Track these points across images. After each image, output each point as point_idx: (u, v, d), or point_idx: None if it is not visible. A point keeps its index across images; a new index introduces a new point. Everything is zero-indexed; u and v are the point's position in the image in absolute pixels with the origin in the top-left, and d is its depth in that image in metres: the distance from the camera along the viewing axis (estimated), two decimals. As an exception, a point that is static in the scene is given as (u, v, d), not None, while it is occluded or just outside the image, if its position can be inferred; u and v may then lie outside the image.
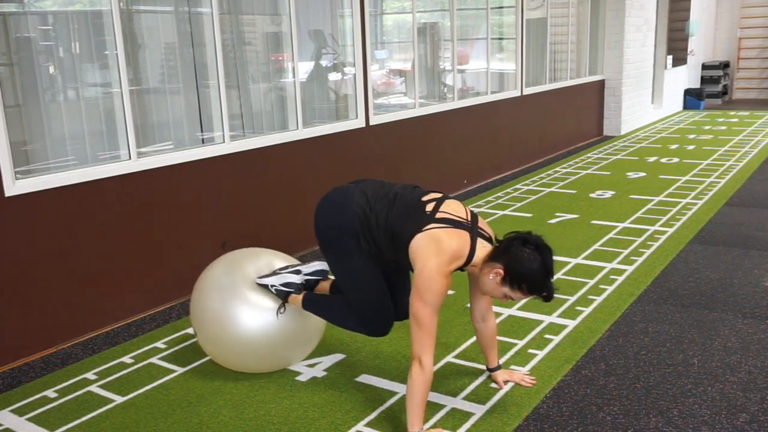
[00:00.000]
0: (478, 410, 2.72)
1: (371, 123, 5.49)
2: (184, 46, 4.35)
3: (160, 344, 3.47)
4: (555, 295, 2.41)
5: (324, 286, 3.06)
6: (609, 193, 6.33)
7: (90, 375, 3.16)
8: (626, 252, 4.59)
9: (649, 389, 2.83)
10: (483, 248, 2.45)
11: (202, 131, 4.40)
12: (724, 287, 3.91)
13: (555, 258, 2.41)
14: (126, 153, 3.82)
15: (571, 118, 9.16)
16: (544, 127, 8.45)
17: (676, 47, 12.17)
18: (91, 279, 3.63)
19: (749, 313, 3.54)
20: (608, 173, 7.28)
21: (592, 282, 4.05)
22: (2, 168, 3.21)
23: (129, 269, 3.81)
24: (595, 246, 4.75)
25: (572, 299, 3.81)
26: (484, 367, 3.04)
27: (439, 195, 2.58)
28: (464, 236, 2.43)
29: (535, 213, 5.72)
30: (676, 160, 7.90)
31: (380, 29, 6.26)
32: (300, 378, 3.04)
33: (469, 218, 2.51)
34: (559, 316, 3.60)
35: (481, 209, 5.92)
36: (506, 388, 2.88)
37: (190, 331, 3.57)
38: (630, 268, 4.26)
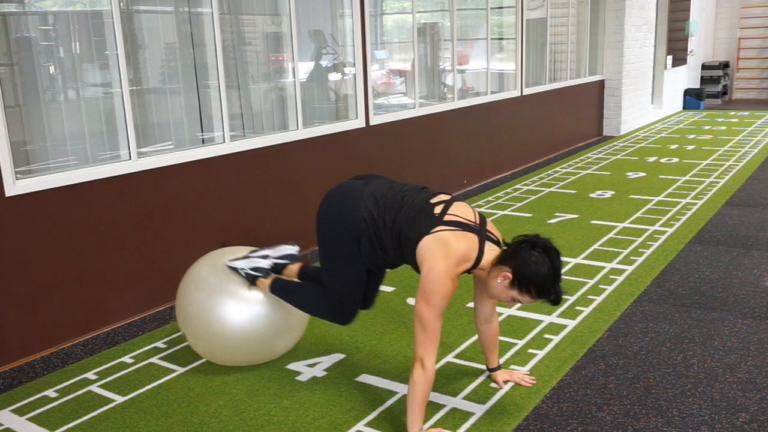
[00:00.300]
0: (478, 410, 2.72)
1: (371, 123, 5.49)
2: (184, 46, 4.35)
3: (160, 344, 3.47)
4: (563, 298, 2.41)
5: (292, 270, 3.09)
6: (609, 193, 6.33)
7: (90, 375, 3.16)
8: (626, 252, 4.59)
9: (649, 389, 2.83)
10: (491, 251, 2.44)
11: (202, 131, 4.40)
12: (724, 287, 3.91)
13: (555, 258, 2.41)
14: (126, 153, 3.82)
15: (571, 118, 9.16)
16: (544, 127, 8.45)
17: (676, 47, 12.17)
18: (91, 279, 3.64)
19: (749, 313, 3.54)
20: (608, 173, 7.28)
21: (591, 282, 4.05)
22: (2, 168, 3.21)
23: (129, 269, 3.81)
24: (595, 246, 4.75)
25: (572, 299, 3.81)
26: (484, 367, 3.04)
27: (447, 197, 2.57)
28: (472, 239, 2.42)
29: (534, 213, 5.72)
30: (675, 160, 7.90)
31: (380, 29, 6.26)
32: (300, 378, 3.05)
33: (478, 221, 2.50)
34: (559, 316, 3.60)
35: (481, 209, 5.92)
36: (506, 388, 2.88)
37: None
38: (630, 268, 4.27)
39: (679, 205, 5.76)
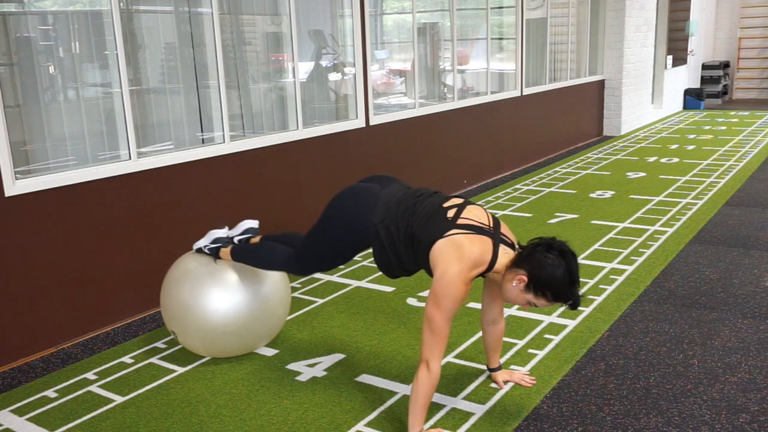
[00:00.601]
0: (478, 410, 2.72)
1: (371, 123, 5.49)
2: (184, 46, 4.35)
3: (160, 344, 3.47)
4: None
5: (254, 242, 3.16)
6: (609, 193, 6.33)
7: (90, 375, 3.16)
8: (626, 252, 4.59)
9: (649, 389, 2.83)
10: (505, 255, 2.43)
11: (202, 131, 4.40)
12: (724, 287, 3.91)
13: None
14: (126, 153, 3.82)
15: (571, 118, 9.16)
16: (544, 127, 8.45)
17: (676, 47, 12.17)
18: (91, 279, 3.63)
19: (749, 313, 3.54)
20: (608, 173, 7.28)
21: (592, 282, 4.05)
22: (2, 168, 3.21)
23: (129, 269, 3.81)
24: (595, 246, 4.75)
25: (572, 299, 3.81)
26: (484, 367, 3.04)
27: (460, 200, 2.55)
28: (486, 242, 2.41)
29: (535, 213, 5.72)
30: (676, 160, 7.90)
31: (380, 29, 6.26)
32: (300, 378, 3.05)
33: (492, 224, 2.48)
34: (559, 316, 3.60)
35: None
36: (506, 388, 2.88)
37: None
38: (630, 268, 4.26)
39: (680, 205, 5.76)
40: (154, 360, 3.29)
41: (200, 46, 4.32)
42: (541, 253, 2.31)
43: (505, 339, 3.33)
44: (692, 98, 12.96)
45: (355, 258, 4.44)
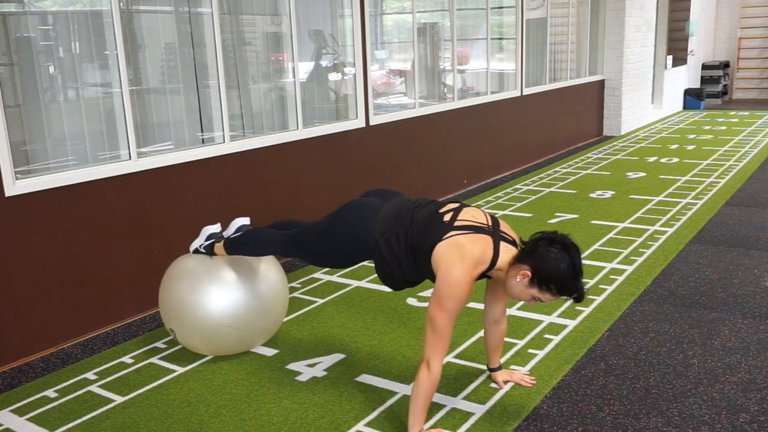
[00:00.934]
0: (478, 410, 2.72)
1: (371, 123, 5.49)
2: (184, 46, 4.35)
3: (160, 344, 3.47)
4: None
5: None
6: (609, 193, 6.33)
7: (90, 375, 3.16)
8: (626, 252, 4.59)
9: (649, 389, 2.83)
10: (507, 252, 2.43)
11: (202, 131, 4.40)
12: (724, 287, 3.91)
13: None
14: (126, 153, 3.82)
15: (571, 118, 9.16)
16: (544, 127, 8.45)
17: (676, 47, 12.17)
18: (91, 279, 3.63)
19: (749, 313, 3.54)
20: (608, 173, 7.28)
21: (592, 282, 4.05)
22: (2, 168, 3.21)
23: (129, 269, 3.81)
24: (595, 246, 4.75)
25: (572, 299, 3.81)
26: (484, 367, 3.04)
27: (456, 205, 2.57)
28: (486, 240, 2.41)
29: (535, 213, 5.72)
30: (676, 160, 7.90)
31: (380, 29, 6.26)
32: (300, 378, 3.05)
33: (490, 223, 2.49)
34: (559, 316, 3.60)
35: (482, 209, 5.91)
36: (506, 388, 2.88)
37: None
38: (630, 268, 4.26)
39: (680, 205, 5.76)
40: (154, 360, 3.29)
41: (200, 46, 4.32)
42: (544, 247, 2.32)
43: (505, 339, 3.33)
44: (692, 98, 12.96)
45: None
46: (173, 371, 3.16)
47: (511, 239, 2.50)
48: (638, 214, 5.53)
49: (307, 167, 4.92)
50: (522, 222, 5.43)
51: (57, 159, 3.65)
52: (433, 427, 2.60)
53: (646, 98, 10.95)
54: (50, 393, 3.00)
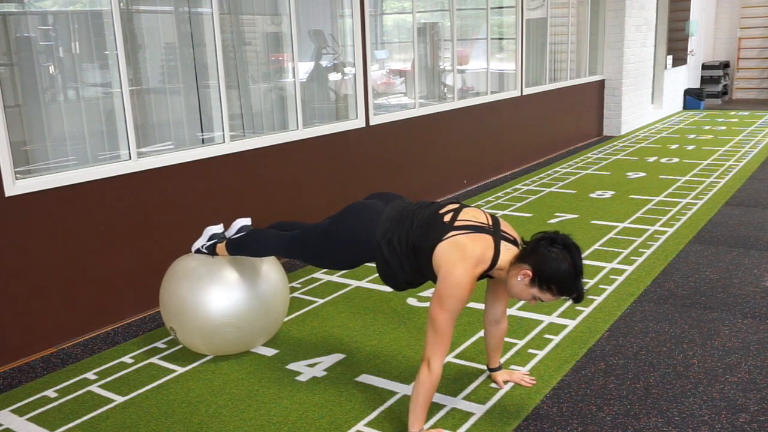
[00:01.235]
0: (478, 410, 2.72)
1: (371, 123, 5.49)
2: (184, 46, 4.35)
3: (160, 344, 3.47)
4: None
5: None
6: (609, 193, 6.33)
7: (90, 375, 3.16)
8: (626, 252, 4.59)
9: (649, 389, 2.83)
10: (508, 251, 2.43)
11: (202, 131, 4.40)
12: (724, 287, 3.91)
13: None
14: (126, 153, 3.82)
15: (571, 118, 9.16)
16: (544, 127, 8.45)
17: (676, 47, 12.17)
18: (91, 279, 3.63)
19: (749, 313, 3.54)
20: (608, 173, 7.28)
21: (592, 282, 4.05)
22: (2, 168, 3.21)
23: (129, 269, 3.81)
24: (595, 246, 4.75)
25: (572, 299, 3.81)
26: (484, 367, 3.04)
27: (456, 205, 2.57)
28: (487, 240, 2.41)
29: (535, 213, 5.72)
30: (676, 160, 7.90)
31: (380, 29, 6.26)
32: (300, 378, 3.05)
33: (491, 222, 2.49)
34: (559, 316, 3.60)
35: (482, 209, 5.92)
36: (506, 388, 2.88)
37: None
38: (630, 268, 4.26)
39: (680, 205, 5.76)
40: (154, 360, 3.29)
41: (200, 46, 4.32)
42: (545, 247, 2.32)
43: (505, 339, 3.33)
44: (692, 98, 12.96)
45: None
46: (173, 371, 3.16)
47: (512, 238, 2.50)
48: (638, 214, 5.53)
49: (307, 167, 4.92)
50: (522, 222, 5.43)
51: (57, 159, 3.65)
52: (433, 427, 2.60)
53: (646, 98, 10.95)
54: (50, 393, 3.00)
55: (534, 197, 6.31)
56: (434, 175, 6.33)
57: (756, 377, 2.89)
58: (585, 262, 4.36)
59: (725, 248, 4.60)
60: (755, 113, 11.92)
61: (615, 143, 9.29)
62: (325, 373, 3.09)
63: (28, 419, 2.79)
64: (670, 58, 11.83)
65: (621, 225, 5.25)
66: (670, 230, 5.05)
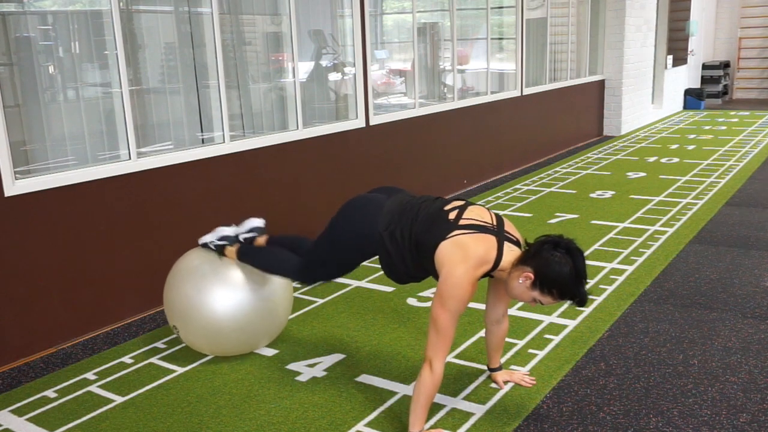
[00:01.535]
0: (478, 410, 2.72)
1: (371, 123, 5.49)
2: (184, 46, 4.35)
3: (160, 344, 3.47)
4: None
5: (259, 242, 3.18)
6: (609, 193, 6.33)
7: (90, 375, 3.16)
8: (626, 252, 4.59)
9: (649, 389, 2.83)
10: (511, 252, 2.42)
11: (202, 131, 4.40)
12: (724, 287, 3.91)
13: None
14: (126, 153, 3.82)
15: (571, 118, 9.16)
16: (544, 127, 8.45)
17: (676, 47, 12.17)
18: (91, 279, 3.63)
19: (749, 313, 3.54)
20: (608, 173, 7.28)
21: (592, 282, 4.05)
22: (2, 168, 3.21)
23: (129, 269, 3.81)
24: (595, 246, 4.75)
25: (572, 299, 3.81)
26: (484, 367, 3.04)
27: (461, 203, 2.56)
28: (490, 240, 2.40)
29: (535, 213, 5.72)
30: (676, 160, 7.90)
31: (380, 29, 6.26)
32: (300, 378, 3.04)
33: (495, 222, 2.48)
34: (559, 316, 3.60)
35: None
36: (506, 388, 2.88)
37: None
38: (630, 268, 4.26)
39: (680, 205, 5.76)
40: (154, 360, 3.29)
41: (200, 46, 4.32)
42: (548, 250, 2.31)
43: (506, 339, 3.33)
44: (692, 98, 12.96)
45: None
46: (173, 371, 3.16)
47: (515, 239, 2.50)
48: (638, 214, 5.53)
49: (307, 167, 4.92)
50: (522, 222, 5.42)
51: (57, 159, 3.65)
52: (433, 427, 2.60)
53: (647, 98, 10.95)
54: (50, 393, 3.00)
55: (534, 197, 6.31)
56: (434, 175, 6.33)
57: (756, 377, 2.89)
58: (585, 262, 4.38)
59: (725, 248, 4.59)
60: (755, 113, 11.92)
61: (615, 143, 9.29)
62: (325, 373, 3.09)
63: (27, 419, 2.79)
64: (670, 58, 11.83)
65: (621, 225, 5.25)
66: (671, 230, 5.05)
